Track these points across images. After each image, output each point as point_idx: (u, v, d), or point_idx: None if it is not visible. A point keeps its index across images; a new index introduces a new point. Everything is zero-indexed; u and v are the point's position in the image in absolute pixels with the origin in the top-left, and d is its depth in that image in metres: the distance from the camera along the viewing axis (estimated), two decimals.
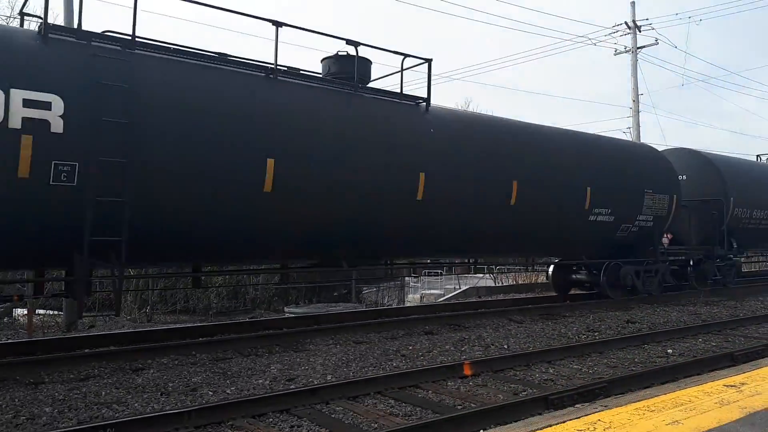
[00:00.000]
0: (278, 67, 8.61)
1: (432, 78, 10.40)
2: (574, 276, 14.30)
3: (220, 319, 12.81)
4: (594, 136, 14.13)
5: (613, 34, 25.78)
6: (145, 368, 7.05)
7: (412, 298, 19.88)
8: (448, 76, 78.92)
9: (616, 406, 4.32)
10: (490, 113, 13.81)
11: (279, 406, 5.43)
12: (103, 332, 9.77)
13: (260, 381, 6.48)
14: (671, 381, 5.92)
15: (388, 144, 9.31)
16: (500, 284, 21.08)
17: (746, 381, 5.05)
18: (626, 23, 25.25)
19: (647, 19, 25.58)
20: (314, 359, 7.49)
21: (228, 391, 6.07)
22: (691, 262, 15.64)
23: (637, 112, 25.00)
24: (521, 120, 12.48)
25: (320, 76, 9.62)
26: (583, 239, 12.87)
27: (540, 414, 4.99)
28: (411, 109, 10.19)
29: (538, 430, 3.80)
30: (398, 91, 10.16)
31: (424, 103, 10.34)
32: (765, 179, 18.23)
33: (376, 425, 5.02)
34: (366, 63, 9.94)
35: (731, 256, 16.45)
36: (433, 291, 21.22)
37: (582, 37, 49.34)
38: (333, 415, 5.37)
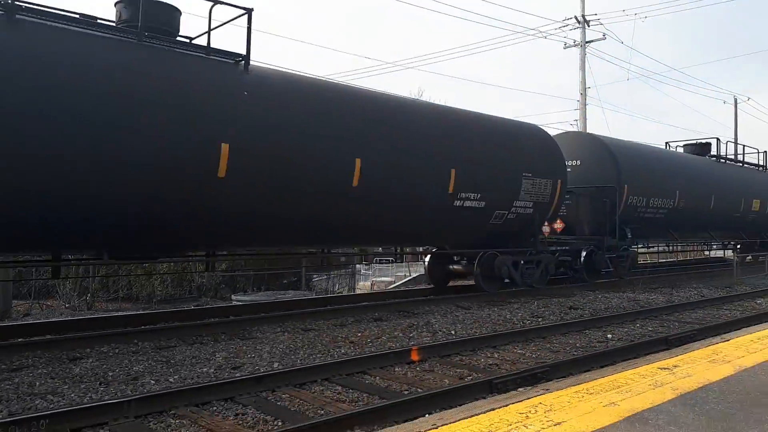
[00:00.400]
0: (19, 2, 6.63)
1: (252, 30, 8.69)
2: (451, 267, 13.18)
3: (165, 307, 12.51)
4: (465, 112, 12.31)
5: (563, 28, 26.38)
6: (83, 357, 6.80)
7: (363, 286, 19.94)
8: (402, 64, 78.98)
9: (557, 390, 4.43)
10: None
11: (223, 394, 5.34)
12: (39, 321, 9.38)
13: (205, 369, 6.36)
14: (610, 365, 6.12)
15: (183, 108, 7.60)
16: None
17: (679, 364, 5.27)
18: (576, 18, 25.85)
19: (596, 15, 26.31)
20: (261, 347, 7.40)
21: (171, 380, 5.93)
22: (584, 253, 14.55)
23: (584, 105, 25.69)
24: (377, 91, 11.07)
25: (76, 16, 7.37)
26: (450, 227, 11.58)
27: (484, 398, 5.09)
28: (222, 67, 8.36)
29: (481, 413, 3.86)
30: (232, 50, 8.48)
31: (243, 62, 8.57)
32: (665, 167, 17.28)
33: (322, 412, 5.00)
34: (169, 10, 8.23)
35: (625, 246, 15.53)
36: (384, 278, 21.34)
37: (533, 29, 50.17)
38: (279, 403, 5.32)
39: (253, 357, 6.92)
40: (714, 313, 11.03)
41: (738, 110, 41.17)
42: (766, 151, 24.13)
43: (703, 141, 21.41)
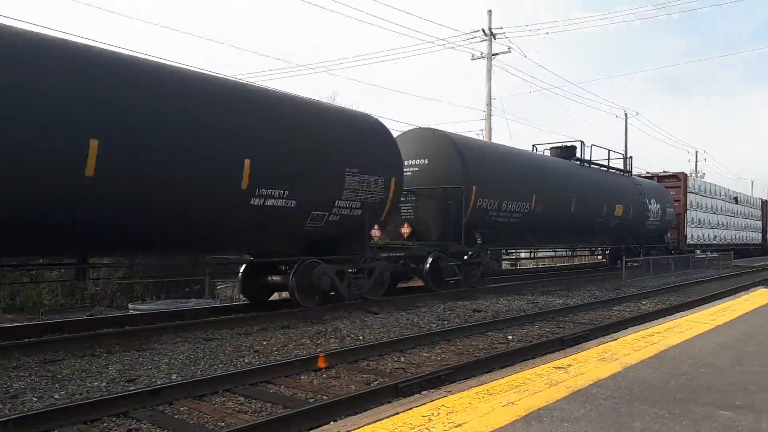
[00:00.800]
0: None
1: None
2: (270, 278, 10.94)
3: (53, 318, 11.62)
4: (269, 92, 10.36)
5: (470, 40, 27.27)
6: None
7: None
8: (314, 68, 78.72)
9: (459, 391, 4.52)
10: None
11: (116, 409, 5.02)
12: None
13: (96, 383, 5.95)
14: (510, 365, 6.34)
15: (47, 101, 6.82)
16: None
17: (572, 363, 5.55)
18: (483, 30, 26.83)
19: (501, 28, 27.40)
20: (159, 358, 7.04)
21: (56, 396, 5.50)
22: (429, 260, 13.23)
23: (489, 115, 26.71)
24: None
25: None
26: (249, 230, 9.61)
27: (389, 402, 5.10)
28: None
29: (385, 417, 3.86)
30: None
31: None
32: (520, 168, 16.08)
33: (222, 423, 4.82)
34: None
35: (474, 252, 14.32)
36: None
37: (443, 40, 51.67)
38: (176, 416, 5.08)
39: (150, 369, 6.57)
40: (605, 313, 11.77)
41: (628, 124, 44.45)
42: (631, 157, 25.62)
43: (568, 144, 20.31)
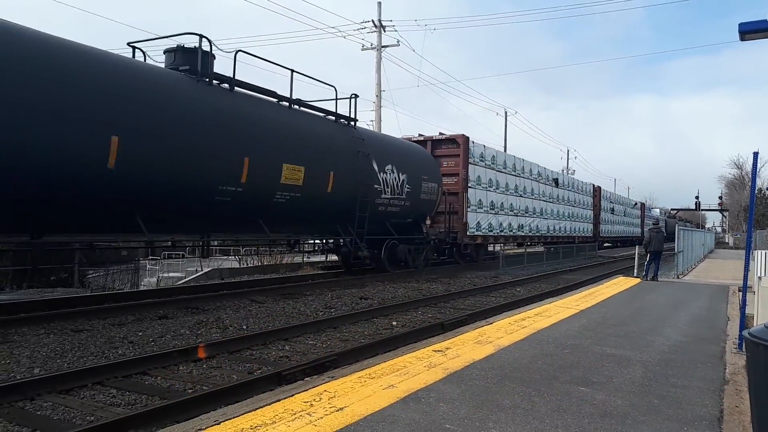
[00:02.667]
0: None
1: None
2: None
3: None
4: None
5: (361, 30, 27.37)
6: None
7: (148, 282, 18.55)
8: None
9: (342, 377, 4.59)
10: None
11: None
12: None
13: None
14: (393, 350, 6.52)
15: None
16: (245, 265, 20.92)
17: (450, 346, 5.81)
18: (373, 21, 27.01)
19: (391, 21, 27.75)
20: (19, 352, 6.46)
21: None
22: None
23: (379, 106, 26.99)
24: None
25: None
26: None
27: (272, 390, 5.06)
28: None
29: (266, 405, 3.84)
30: None
31: None
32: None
33: (92, 417, 4.53)
34: None
35: None
36: (173, 274, 20.09)
37: (333, 28, 51.44)
38: (39, 412, 4.70)
39: (9, 363, 6.01)
40: (483, 300, 12.41)
41: (507, 122, 46.83)
42: (355, 95, 14.47)
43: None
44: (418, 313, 10.29)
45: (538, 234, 26.25)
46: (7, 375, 5.61)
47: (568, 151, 70.67)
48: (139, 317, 8.86)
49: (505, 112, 47.71)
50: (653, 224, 15.85)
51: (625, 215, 45.03)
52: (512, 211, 23.44)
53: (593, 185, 37.18)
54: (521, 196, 24.41)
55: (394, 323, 9.15)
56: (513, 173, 23.79)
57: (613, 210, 41.04)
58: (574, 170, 65.01)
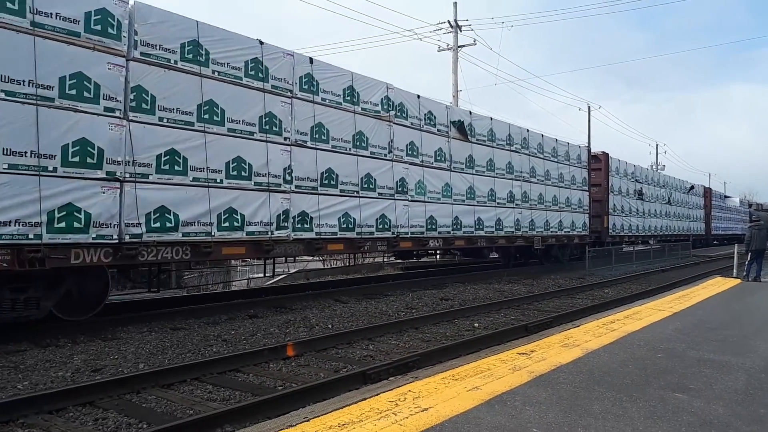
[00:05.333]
0: None
1: None
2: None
3: None
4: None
5: (437, 31, 27.32)
6: None
7: (239, 283, 19.37)
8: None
9: (426, 377, 4.62)
10: None
11: (81, 399, 4.98)
12: None
13: (60, 373, 5.88)
14: (475, 351, 6.49)
15: None
16: (329, 266, 21.42)
17: (535, 349, 5.71)
18: (449, 22, 26.89)
19: (467, 20, 27.49)
20: (125, 348, 6.97)
21: (20, 387, 5.42)
22: None
23: (456, 107, 26.82)
24: None
25: None
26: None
27: (357, 388, 5.18)
28: None
29: (353, 403, 3.93)
30: None
31: None
32: None
33: (191, 411, 4.83)
34: None
35: None
36: (261, 275, 20.87)
37: (410, 31, 51.69)
38: (144, 405, 5.06)
39: (117, 359, 6.51)
40: (568, 302, 12.05)
41: (591, 116, 45.13)
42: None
43: None
44: (500, 314, 10.16)
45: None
46: (116, 369, 6.06)
47: (657, 145, 67.06)
48: (232, 316, 9.31)
49: (588, 107, 45.85)
50: (754, 221, 14.77)
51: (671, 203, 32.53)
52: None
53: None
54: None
55: (476, 325, 9.09)
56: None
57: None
58: (664, 165, 61.65)
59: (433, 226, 13.69)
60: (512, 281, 15.32)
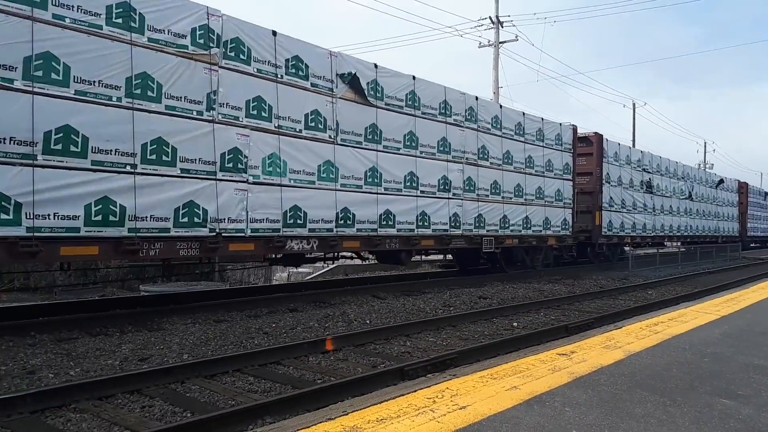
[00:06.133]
0: None
1: None
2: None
3: (66, 298, 11.81)
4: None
5: (478, 27, 27.10)
6: None
7: (280, 277, 19.69)
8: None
9: (463, 375, 4.62)
10: None
11: (129, 386, 5.17)
12: None
13: (109, 362, 6.11)
14: (514, 351, 6.44)
15: None
16: (367, 262, 21.52)
17: (576, 350, 5.63)
18: (490, 18, 26.62)
19: (509, 16, 27.26)
20: (170, 339, 7.19)
21: (72, 373, 5.66)
22: None
23: (497, 103, 26.54)
24: None
25: None
26: None
27: (395, 384, 5.21)
28: None
29: (391, 399, 3.97)
30: None
31: None
32: None
33: (233, 402, 4.95)
34: None
35: None
36: (301, 270, 21.17)
37: (450, 27, 51.37)
38: (188, 394, 5.21)
39: (162, 349, 6.71)
40: (610, 302, 11.82)
41: (636, 114, 43.94)
42: None
43: None
44: (539, 314, 10.04)
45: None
46: (162, 359, 6.26)
47: (705, 143, 64.95)
48: (272, 310, 9.48)
49: (633, 104, 44.86)
50: None
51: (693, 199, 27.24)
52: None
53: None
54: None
55: (515, 324, 9.01)
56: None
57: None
58: (712, 164, 59.66)
59: (299, 221, 9.67)
60: (553, 281, 15.11)
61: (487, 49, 27.08)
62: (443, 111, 12.83)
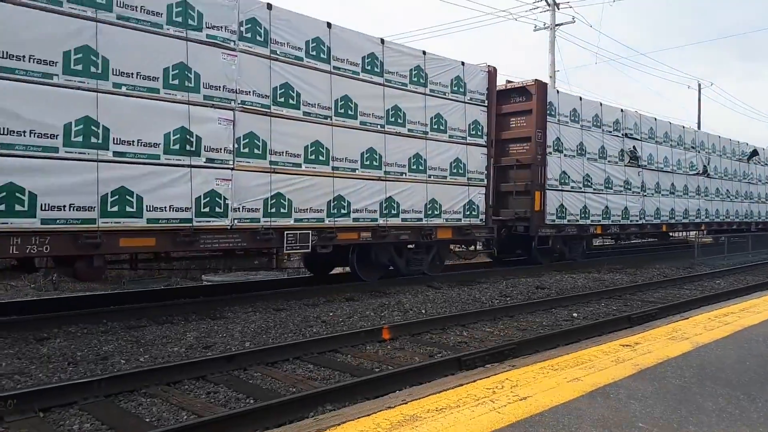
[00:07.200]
0: None
1: None
2: None
3: (134, 287, 12.35)
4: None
5: (533, 10, 26.44)
6: (50, 338, 6.72)
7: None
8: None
9: (523, 366, 4.56)
10: None
11: (195, 373, 5.36)
12: (3, 301, 9.19)
13: (175, 349, 6.35)
14: (575, 342, 6.30)
15: None
16: None
17: (640, 341, 5.46)
18: (546, 0, 25.92)
19: None
20: (232, 327, 7.40)
21: (141, 359, 5.91)
22: None
23: (553, 87, 25.88)
24: None
25: None
26: None
27: (453, 374, 5.20)
28: None
29: (450, 389, 3.96)
30: None
31: None
32: None
33: (294, 389, 5.06)
34: None
35: None
36: None
37: (504, 11, 50.29)
38: (250, 381, 5.36)
39: (225, 336, 6.92)
40: (675, 292, 11.39)
41: (702, 95, 41.94)
42: None
43: None
44: (600, 304, 9.78)
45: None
46: (225, 347, 6.46)
47: None
48: (329, 299, 9.62)
49: (699, 85, 42.70)
50: None
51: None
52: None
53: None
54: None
55: (575, 314, 8.82)
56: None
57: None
58: None
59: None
60: (613, 270, 14.68)
61: (542, 33, 26.42)
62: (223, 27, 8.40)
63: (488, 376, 4.27)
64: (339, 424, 3.21)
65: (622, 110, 16.96)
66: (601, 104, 16.16)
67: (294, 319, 7.91)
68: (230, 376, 5.44)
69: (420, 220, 11.18)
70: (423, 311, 8.70)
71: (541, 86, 14.31)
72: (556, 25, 25.98)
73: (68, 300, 9.10)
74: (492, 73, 12.58)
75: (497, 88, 13.24)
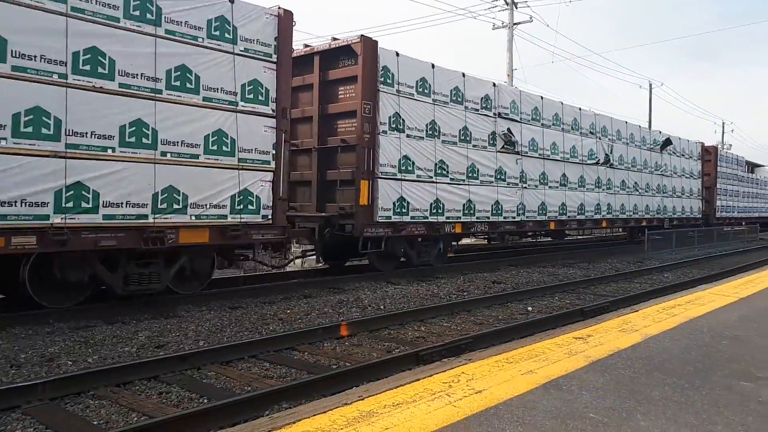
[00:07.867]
0: None
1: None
2: None
3: None
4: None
5: (492, 9, 26.76)
6: None
7: (293, 263, 19.75)
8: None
9: (479, 359, 4.60)
10: None
11: (146, 373, 5.22)
12: None
13: (126, 349, 6.17)
14: (529, 335, 6.40)
15: None
16: None
17: (592, 333, 5.59)
18: None
19: None
20: (186, 326, 7.24)
21: (90, 360, 5.72)
22: None
23: (511, 86, 26.29)
24: None
25: None
26: None
27: (411, 369, 5.21)
28: None
29: (407, 384, 3.96)
30: None
31: None
32: None
33: (249, 388, 4.98)
34: None
35: None
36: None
37: (464, 9, 50.79)
38: (204, 380, 5.26)
39: (178, 336, 6.77)
40: (626, 286, 11.73)
41: (653, 95, 43.33)
42: None
43: None
44: (554, 298, 9.99)
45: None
46: (178, 346, 6.31)
47: (723, 124, 63.79)
48: (287, 296, 9.52)
49: (650, 84, 44.09)
50: None
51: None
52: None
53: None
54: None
55: (530, 308, 8.98)
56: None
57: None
58: (731, 144, 58.66)
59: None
60: (567, 264, 15.02)
61: (500, 31, 26.76)
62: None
63: (445, 370, 4.29)
64: (294, 422, 3.16)
65: (494, 84, 13.96)
66: (463, 74, 12.96)
67: (250, 317, 7.80)
68: (183, 375, 5.32)
69: (144, 217, 7.73)
70: (382, 307, 8.71)
71: (368, 45, 11.01)
72: (514, 24, 26.38)
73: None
74: (284, 17, 9.16)
75: (320, 48, 11.37)
